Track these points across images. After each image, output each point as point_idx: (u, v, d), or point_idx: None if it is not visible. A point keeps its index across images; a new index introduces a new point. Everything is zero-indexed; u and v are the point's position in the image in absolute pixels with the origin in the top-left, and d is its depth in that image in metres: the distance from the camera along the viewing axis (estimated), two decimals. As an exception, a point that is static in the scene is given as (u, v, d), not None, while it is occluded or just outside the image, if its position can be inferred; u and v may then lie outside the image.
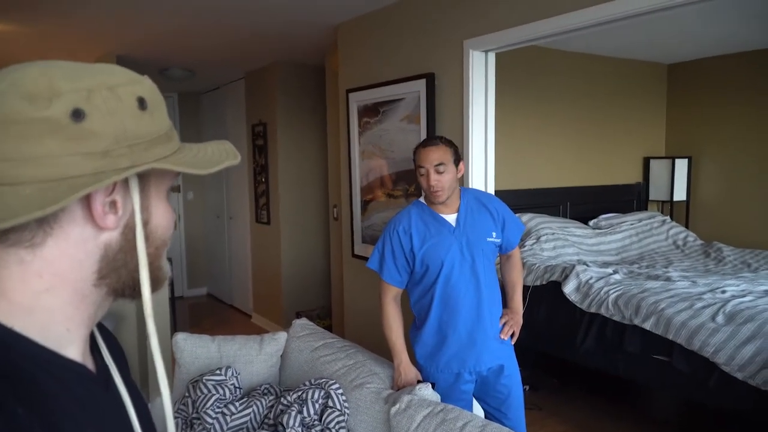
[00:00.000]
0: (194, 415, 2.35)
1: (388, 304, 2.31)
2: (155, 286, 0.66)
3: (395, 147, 3.31)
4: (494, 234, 2.26)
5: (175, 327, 4.19)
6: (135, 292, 0.65)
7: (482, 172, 2.92)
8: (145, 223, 0.64)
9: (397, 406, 2.06)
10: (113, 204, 0.60)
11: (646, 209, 5.18)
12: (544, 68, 4.49)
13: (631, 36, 4.21)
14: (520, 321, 2.41)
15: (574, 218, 4.55)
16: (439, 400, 2.13)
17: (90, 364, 0.66)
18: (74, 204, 0.58)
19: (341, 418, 2.20)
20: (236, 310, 6.44)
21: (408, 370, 2.26)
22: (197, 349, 2.65)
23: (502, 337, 2.32)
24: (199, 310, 6.61)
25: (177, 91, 6.82)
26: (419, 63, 3.13)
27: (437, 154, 2.14)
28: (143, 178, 0.63)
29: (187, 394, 2.43)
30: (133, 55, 4.58)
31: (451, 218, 2.24)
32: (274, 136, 5.26)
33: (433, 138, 2.27)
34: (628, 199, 5.15)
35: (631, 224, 4.60)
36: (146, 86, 0.62)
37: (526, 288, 3.58)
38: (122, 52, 4.48)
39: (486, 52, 2.84)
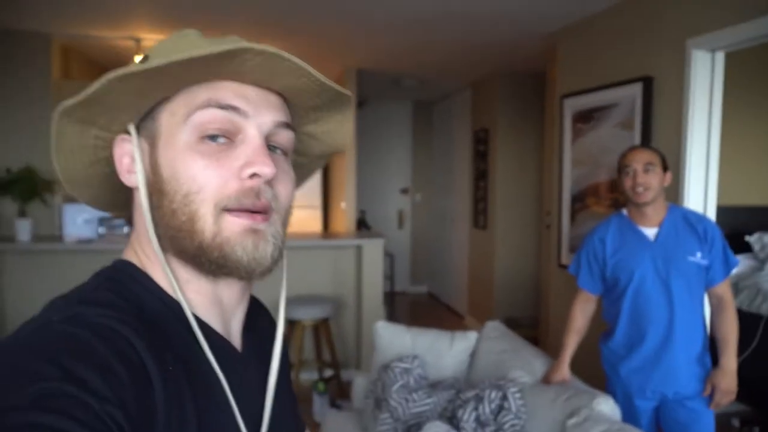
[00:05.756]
0: (383, 396, 2.54)
1: (576, 306, 2.37)
2: (201, 253, 0.56)
3: (607, 155, 3.16)
4: (699, 255, 2.08)
5: (393, 318, 4.53)
6: (196, 260, 0.58)
7: (702, 184, 2.65)
8: (156, 177, 0.58)
9: (575, 419, 2.01)
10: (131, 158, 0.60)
11: None
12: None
13: None
14: (733, 387, 2.08)
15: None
16: (619, 417, 2.02)
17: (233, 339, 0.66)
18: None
19: (516, 421, 2.20)
20: (451, 310, 6.65)
21: (560, 370, 2.29)
22: (394, 337, 2.85)
23: (711, 407, 2.13)
24: (417, 307, 6.96)
25: (411, 99, 7.29)
26: (636, 66, 2.95)
27: (647, 155, 2.11)
28: (148, 125, 0.59)
29: (377, 377, 2.64)
30: (371, 68, 5.10)
31: (650, 232, 2.15)
32: (494, 142, 5.33)
33: (641, 144, 2.27)
34: None
35: None
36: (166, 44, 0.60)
37: (759, 318, 3.15)
38: (362, 66, 5.03)
39: (713, 51, 2.58)
